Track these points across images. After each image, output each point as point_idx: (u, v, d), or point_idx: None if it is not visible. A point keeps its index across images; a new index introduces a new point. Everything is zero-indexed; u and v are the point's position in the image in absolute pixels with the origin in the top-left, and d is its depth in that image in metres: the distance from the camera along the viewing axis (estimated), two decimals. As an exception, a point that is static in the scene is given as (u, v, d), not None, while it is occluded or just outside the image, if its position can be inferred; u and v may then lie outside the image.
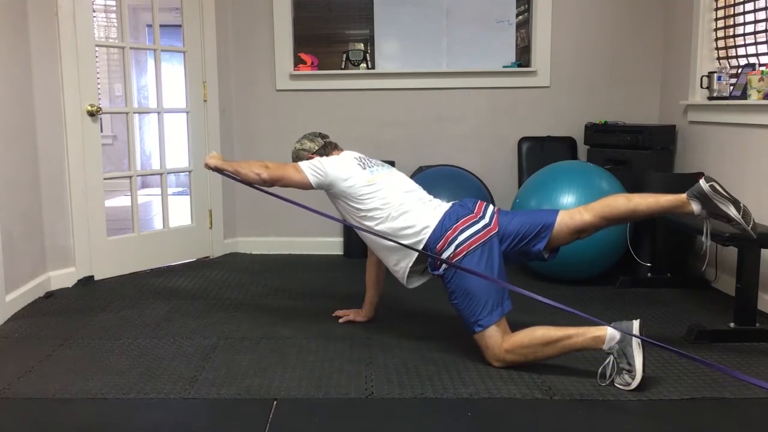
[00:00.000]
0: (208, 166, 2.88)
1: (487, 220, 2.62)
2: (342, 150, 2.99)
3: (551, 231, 2.58)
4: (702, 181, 2.44)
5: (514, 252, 2.62)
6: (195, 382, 2.44)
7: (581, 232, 2.60)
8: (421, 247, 2.62)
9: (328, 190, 2.81)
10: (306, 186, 2.79)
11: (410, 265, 2.68)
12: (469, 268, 2.49)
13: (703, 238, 2.51)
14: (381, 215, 2.70)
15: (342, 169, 2.78)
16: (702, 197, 2.44)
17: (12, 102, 3.30)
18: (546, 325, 2.49)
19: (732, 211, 2.42)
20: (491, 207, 2.70)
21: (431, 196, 2.83)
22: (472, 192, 3.94)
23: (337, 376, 2.49)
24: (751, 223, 2.44)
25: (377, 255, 2.87)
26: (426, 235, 2.61)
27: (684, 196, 2.48)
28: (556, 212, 2.63)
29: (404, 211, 2.68)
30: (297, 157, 2.99)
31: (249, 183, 2.84)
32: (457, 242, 2.55)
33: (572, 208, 2.67)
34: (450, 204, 2.72)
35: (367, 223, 2.74)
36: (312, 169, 2.78)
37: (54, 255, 3.66)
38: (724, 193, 2.43)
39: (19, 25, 3.37)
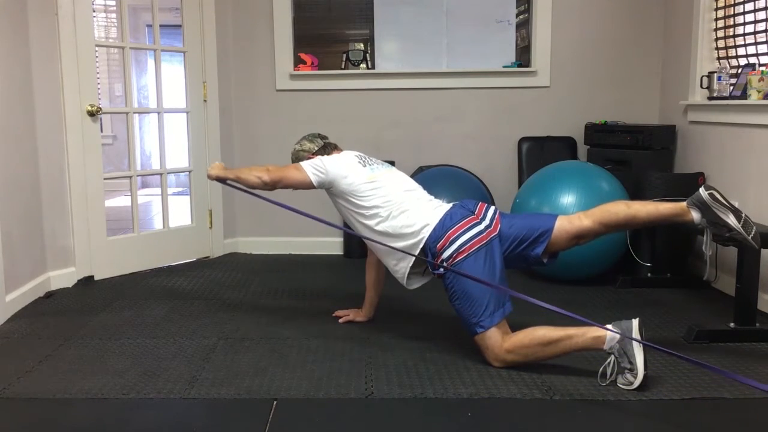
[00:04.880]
0: (210, 177, 2.90)
1: (488, 221, 2.62)
2: (342, 150, 3.00)
3: (550, 236, 2.57)
4: (702, 189, 2.43)
5: (513, 255, 2.61)
6: (195, 382, 2.43)
7: (580, 237, 2.59)
8: (421, 245, 2.62)
9: (329, 188, 2.82)
10: (307, 185, 2.80)
11: (410, 266, 2.68)
12: (468, 274, 2.48)
13: (704, 248, 2.48)
14: (382, 213, 2.70)
15: (342, 166, 2.79)
16: (702, 206, 2.43)
17: (12, 102, 3.30)
18: (546, 326, 2.49)
19: (732, 221, 2.40)
20: (492, 208, 2.69)
21: (431, 196, 2.84)
22: (472, 192, 3.94)
23: (337, 376, 2.49)
24: (752, 232, 2.39)
25: (377, 255, 2.87)
26: (426, 233, 2.61)
27: (684, 204, 2.47)
28: (555, 217, 2.62)
29: (404, 209, 2.69)
30: (297, 158, 2.99)
31: (251, 188, 2.84)
32: (458, 243, 2.54)
33: (572, 214, 2.66)
34: (451, 205, 2.72)
35: (368, 222, 2.73)
36: (313, 167, 2.79)
37: (54, 255, 3.66)
38: (725, 202, 2.40)
39: (19, 25, 3.37)
